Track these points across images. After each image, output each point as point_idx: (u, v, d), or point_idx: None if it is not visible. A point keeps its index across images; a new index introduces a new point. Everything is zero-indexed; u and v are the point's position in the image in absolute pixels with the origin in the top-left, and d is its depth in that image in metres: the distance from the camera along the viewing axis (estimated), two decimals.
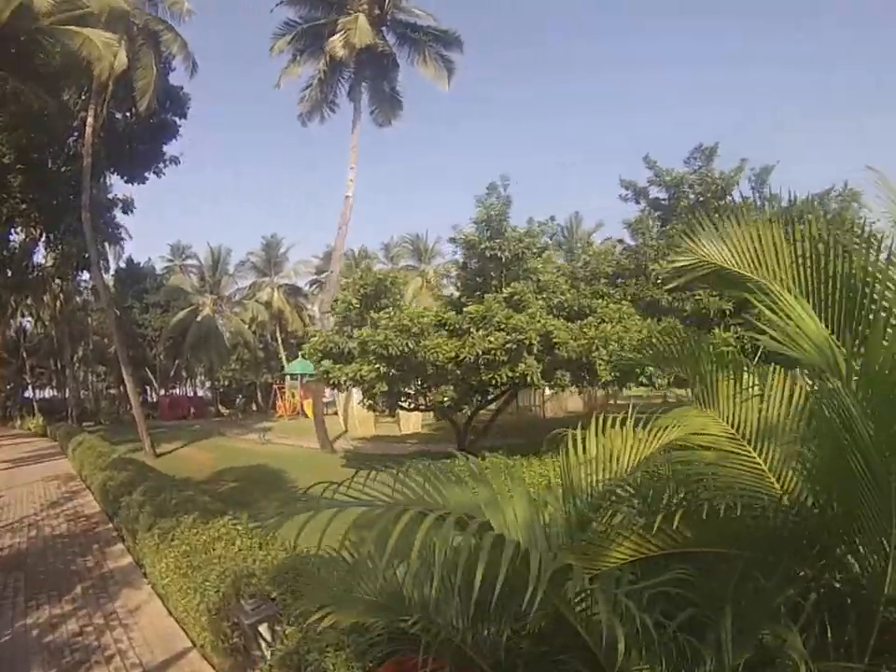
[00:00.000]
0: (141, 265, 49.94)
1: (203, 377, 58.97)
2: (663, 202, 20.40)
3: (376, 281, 16.14)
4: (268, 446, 26.59)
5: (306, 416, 39.38)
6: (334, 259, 24.24)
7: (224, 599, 6.32)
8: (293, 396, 42.31)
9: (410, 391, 16.88)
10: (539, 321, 14.47)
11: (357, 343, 14.86)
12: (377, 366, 14.37)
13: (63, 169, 26.44)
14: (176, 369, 52.89)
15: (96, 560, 10.43)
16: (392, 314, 14.52)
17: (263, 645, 5.27)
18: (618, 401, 36.57)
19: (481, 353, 14.09)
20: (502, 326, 14.29)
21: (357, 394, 29.82)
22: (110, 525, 12.50)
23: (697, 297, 16.54)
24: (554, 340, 14.45)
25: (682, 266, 4.16)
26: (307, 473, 18.44)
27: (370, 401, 17.50)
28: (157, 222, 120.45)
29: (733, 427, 3.46)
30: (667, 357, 4.23)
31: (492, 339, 14.09)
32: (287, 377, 45.25)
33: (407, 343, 14.06)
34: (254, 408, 52.24)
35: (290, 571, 6.35)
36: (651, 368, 14.62)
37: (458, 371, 15.22)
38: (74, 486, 17.48)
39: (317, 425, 24.36)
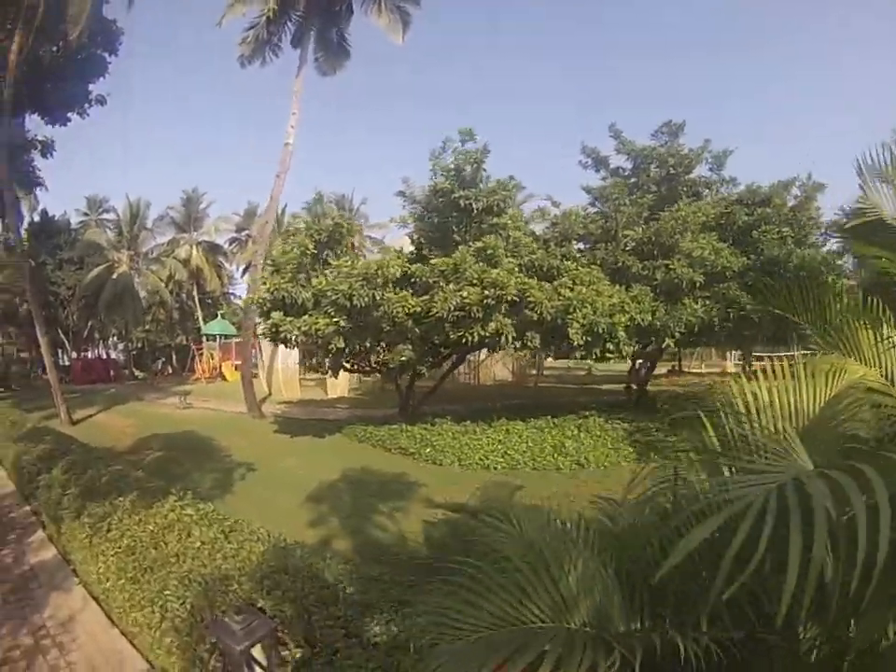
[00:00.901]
0: (56, 218, 45.66)
1: (115, 339, 54.92)
2: (623, 171, 19.63)
3: (333, 226, 14.45)
4: (190, 411, 24.70)
5: (225, 379, 37.29)
6: (269, 209, 22.09)
7: (194, 613, 4.90)
8: (211, 358, 39.61)
9: (363, 349, 15.22)
10: (515, 277, 13.17)
11: (313, 293, 13.21)
12: (336, 319, 12.74)
13: None
14: (90, 330, 48.82)
15: (14, 555, 8.59)
16: (353, 262, 12.96)
17: None
18: (543, 372, 36.35)
19: (453, 308, 12.68)
20: (475, 280, 12.94)
21: (283, 355, 28.13)
22: (27, 508, 10.63)
23: (670, 266, 15.71)
24: (529, 299, 13.19)
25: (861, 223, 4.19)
26: (238, 439, 17.30)
27: (318, 360, 15.98)
28: (73, 172, 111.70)
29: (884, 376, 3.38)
30: (786, 306, 4.21)
31: (465, 294, 12.71)
32: (205, 338, 42.46)
33: (373, 295, 12.48)
34: (170, 371, 48.87)
35: (279, 571, 5.22)
36: (622, 334, 14.26)
37: (418, 330, 13.91)
38: None
39: (245, 387, 22.47)
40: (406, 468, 14.07)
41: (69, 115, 24.88)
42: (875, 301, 3.51)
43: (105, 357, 52.72)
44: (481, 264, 13.17)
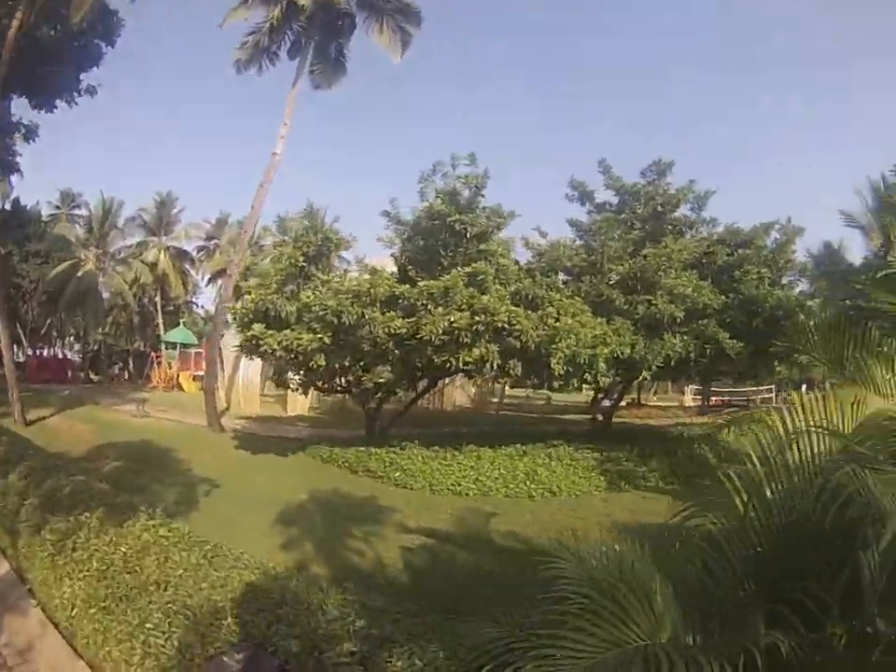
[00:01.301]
0: (28, 208, 43.80)
1: (72, 339, 52.87)
2: (610, 206, 19.81)
3: (322, 240, 14.07)
4: (148, 420, 23.32)
5: (182, 389, 36.17)
6: (250, 219, 21.46)
7: (183, 651, 4.39)
8: (169, 367, 38.28)
9: (341, 368, 14.78)
10: (504, 305, 12.95)
11: (298, 308, 12.79)
12: (320, 335, 12.30)
13: None
14: (48, 327, 46.92)
15: None
16: (344, 277, 12.61)
17: None
18: (504, 399, 36.19)
19: (440, 332, 12.37)
20: (464, 305, 12.69)
21: (245, 369, 27.53)
22: None
23: (652, 301, 15.99)
24: (516, 327, 12.97)
25: None
26: (198, 454, 16.37)
27: (290, 376, 15.43)
28: (49, 162, 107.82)
29: None
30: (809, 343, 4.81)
31: (454, 318, 12.42)
32: (164, 346, 41.28)
33: (361, 313, 12.11)
34: (127, 377, 47.17)
35: (279, 603, 4.80)
36: (602, 366, 14.24)
37: (398, 352, 13.59)
38: None
39: (207, 399, 21.72)
40: (376, 491, 13.66)
41: (57, 101, 23.40)
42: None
43: (61, 356, 50.45)
44: (471, 289, 12.94)
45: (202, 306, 58.76)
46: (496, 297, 12.88)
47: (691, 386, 37.00)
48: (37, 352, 48.72)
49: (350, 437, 19.00)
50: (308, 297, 12.66)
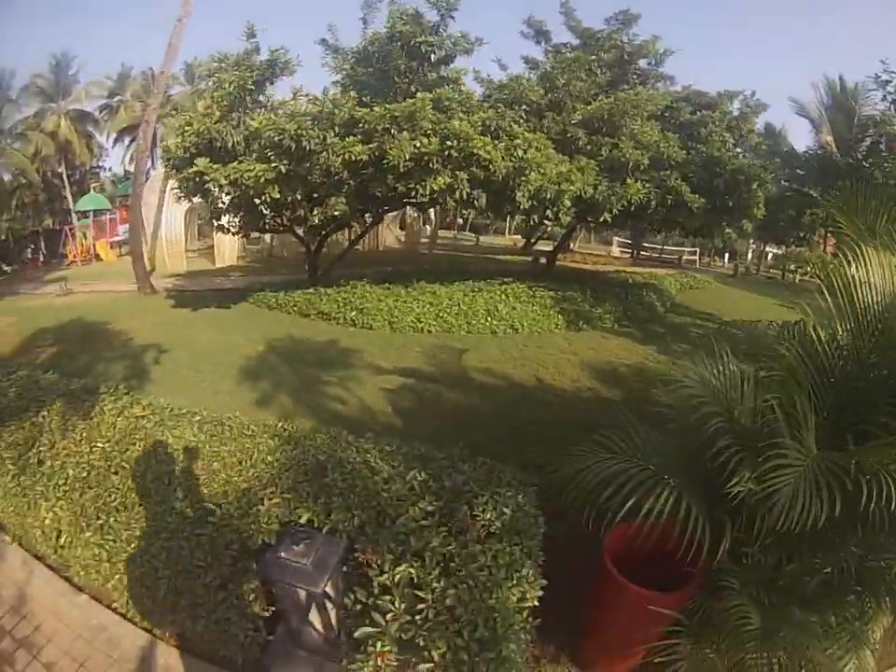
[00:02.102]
0: None
1: None
2: (568, 48, 19.08)
3: (269, 62, 12.49)
4: (72, 297, 21.19)
5: (101, 259, 33.77)
6: (168, 58, 17.90)
7: (219, 555, 3.76)
8: (85, 237, 34.95)
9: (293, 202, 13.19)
10: (476, 132, 11.86)
11: (247, 136, 11.35)
12: (275, 164, 10.88)
13: None
14: None
15: None
16: (302, 98, 11.20)
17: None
18: (436, 240, 35.33)
19: (407, 158, 11.21)
20: (429, 131, 11.51)
21: (167, 225, 25.74)
22: None
23: (618, 144, 15.50)
24: (484, 157, 11.90)
25: None
26: (135, 321, 15.06)
27: (236, 218, 14.17)
28: None
29: None
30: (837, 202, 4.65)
31: (420, 144, 11.25)
32: (76, 217, 37.67)
33: (324, 137, 10.78)
34: (41, 259, 43.13)
35: (324, 471, 4.10)
36: (567, 203, 13.66)
37: (352, 182, 12.39)
38: None
39: (135, 261, 19.87)
40: (333, 334, 12.95)
41: None
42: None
43: None
44: (438, 115, 11.71)
45: (109, 169, 54.17)
46: (467, 123, 11.71)
47: (616, 238, 37.15)
48: None
49: (289, 281, 18.18)
50: (260, 122, 11.07)
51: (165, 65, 18.57)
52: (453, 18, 13.66)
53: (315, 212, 12.92)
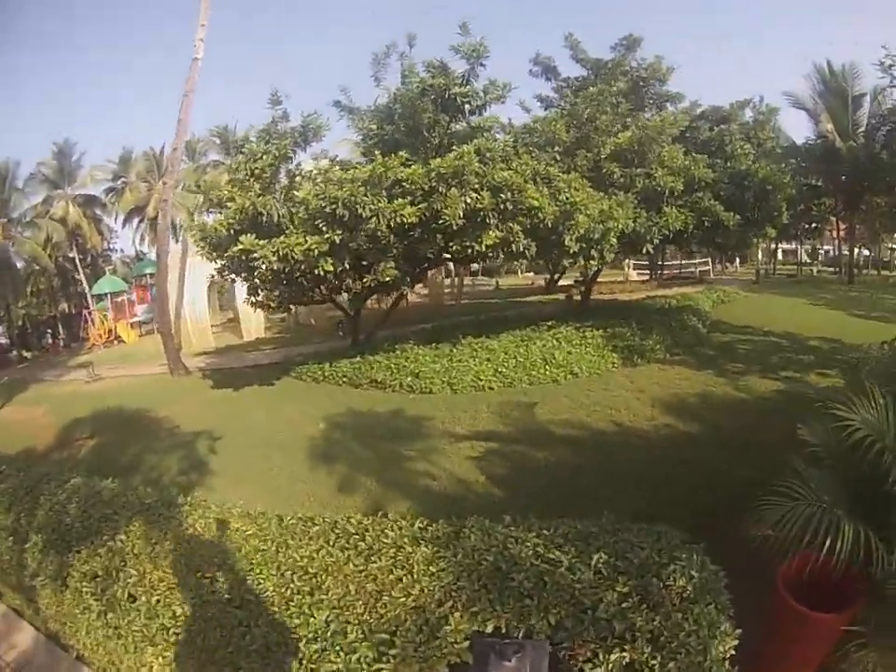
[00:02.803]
0: None
1: None
2: (577, 81, 18.85)
3: (303, 127, 12.03)
4: (102, 383, 20.24)
5: (122, 341, 32.75)
6: (179, 134, 18.24)
7: None
8: (104, 320, 34.08)
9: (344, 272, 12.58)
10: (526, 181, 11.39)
11: (299, 203, 10.69)
12: (328, 236, 10.27)
13: None
14: None
15: None
16: (349, 165, 10.67)
17: None
18: (463, 289, 34.61)
19: (461, 216, 10.67)
20: (476, 185, 10.97)
21: (190, 301, 25.00)
22: None
23: (651, 174, 15.02)
24: (534, 205, 11.42)
25: None
26: (176, 405, 14.29)
27: (274, 293, 13.48)
28: None
29: None
30: None
31: (470, 199, 10.71)
32: (94, 300, 36.93)
33: (379, 202, 10.19)
34: (61, 344, 42.27)
35: (504, 569, 3.56)
36: (613, 241, 13.40)
37: (400, 245, 11.92)
38: None
39: (165, 342, 18.89)
40: (394, 403, 12.12)
41: None
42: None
43: None
44: (484, 166, 11.16)
45: (121, 250, 54.17)
46: (513, 173, 11.17)
47: (630, 261, 36.43)
48: None
49: (329, 350, 17.38)
50: (307, 192, 10.53)
51: (177, 141, 18.37)
52: (483, 66, 13.22)
53: (365, 279, 12.21)
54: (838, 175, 27.57)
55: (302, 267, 10.63)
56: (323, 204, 10.16)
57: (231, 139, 41.44)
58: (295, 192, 10.95)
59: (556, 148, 14.08)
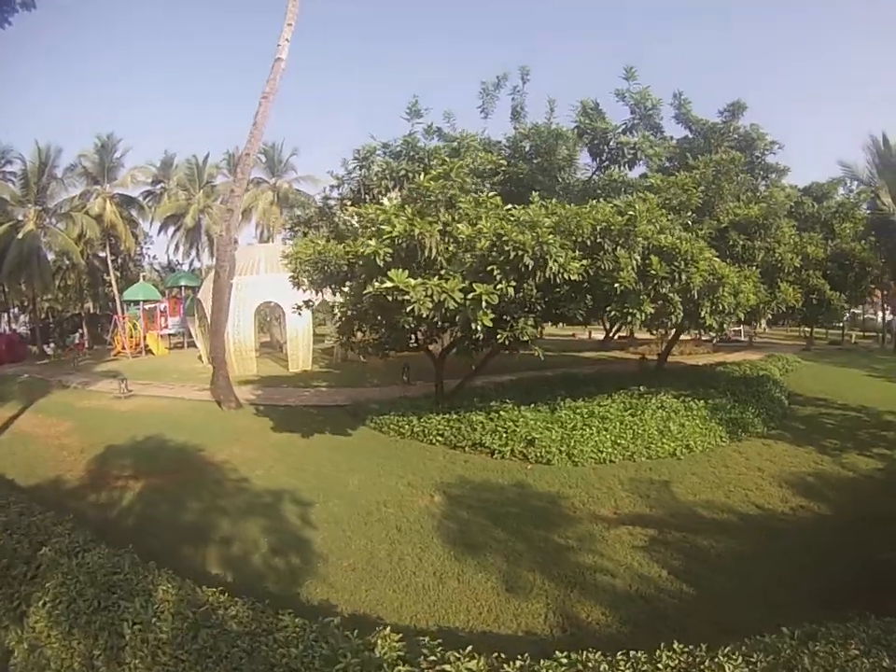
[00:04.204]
0: None
1: (17, 311, 45.28)
2: (686, 142, 17.72)
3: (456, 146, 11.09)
4: (136, 401, 18.07)
5: (151, 352, 31.17)
6: (253, 138, 16.65)
7: None
8: (135, 328, 32.29)
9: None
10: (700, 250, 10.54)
11: (466, 241, 9.13)
12: (500, 285, 8.64)
13: None
14: None
15: None
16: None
17: None
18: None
19: (633, 278, 9.58)
20: (644, 247, 9.86)
21: (235, 323, 22.69)
22: None
23: (773, 248, 14.33)
24: (700, 275, 10.44)
25: None
26: (236, 446, 12.58)
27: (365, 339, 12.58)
28: None
29: None
30: None
31: (636, 262, 9.63)
32: (122, 305, 35.54)
33: (566, 254, 8.83)
34: (86, 345, 40.03)
35: None
36: (741, 314, 12.68)
37: (545, 300, 10.75)
38: None
39: (217, 369, 16.95)
40: (511, 473, 10.70)
41: None
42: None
43: (8, 332, 41.94)
44: (651, 226, 9.90)
45: (154, 257, 52.98)
46: (689, 239, 10.09)
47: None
48: None
49: (403, 397, 15.95)
50: (486, 227, 8.82)
51: (251, 146, 16.75)
52: (651, 116, 12.08)
53: (499, 335, 10.05)
54: (891, 247, 27.31)
55: (455, 317, 8.95)
56: (505, 248, 8.55)
57: (276, 157, 40.53)
58: (458, 226, 9.31)
59: (689, 213, 12.88)
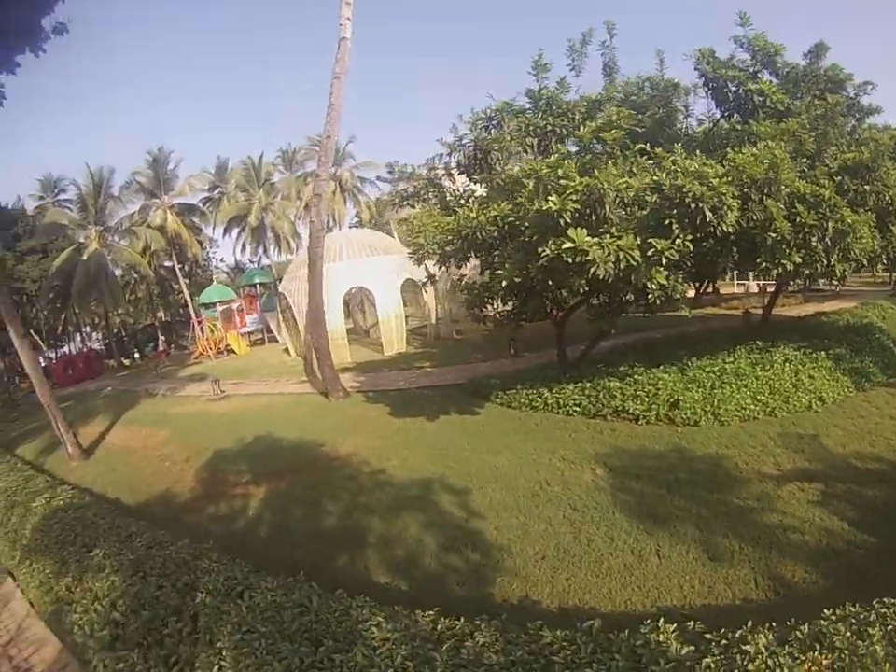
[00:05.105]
0: (9, 207, 38.18)
1: (88, 329, 46.69)
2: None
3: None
4: (232, 402, 17.96)
5: (233, 352, 31.59)
6: (332, 120, 16.21)
7: None
8: (214, 329, 32.92)
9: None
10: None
11: (636, 195, 8.76)
12: (678, 239, 8.43)
13: None
14: (63, 323, 41.12)
15: None
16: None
17: None
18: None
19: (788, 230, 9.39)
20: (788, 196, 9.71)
21: (330, 309, 22.59)
22: None
23: (882, 191, 13.15)
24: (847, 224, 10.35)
25: None
26: (358, 437, 11.95)
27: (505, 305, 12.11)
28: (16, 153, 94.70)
29: None
30: None
31: (796, 214, 9.54)
32: (196, 310, 36.32)
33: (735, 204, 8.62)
34: (164, 352, 41.07)
35: None
36: (864, 260, 12.41)
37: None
38: None
39: (322, 359, 16.60)
40: (662, 437, 10.41)
41: (13, 58, 17.19)
42: None
43: (85, 350, 43.76)
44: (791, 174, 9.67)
45: (221, 259, 55.54)
46: (829, 186, 9.96)
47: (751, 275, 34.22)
48: (58, 352, 43.37)
49: (517, 370, 15.35)
50: (660, 177, 8.51)
51: (330, 128, 16.35)
52: (768, 69, 11.67)
53: (651, 296, 9.36)
54: None
55: (631, 277, 8.49)
56: (686, 200, 8.22)
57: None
58: (628, 179, 8.81)
59: (804, 160, 12.43)
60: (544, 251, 8.25)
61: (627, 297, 9.83)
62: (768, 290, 25.03)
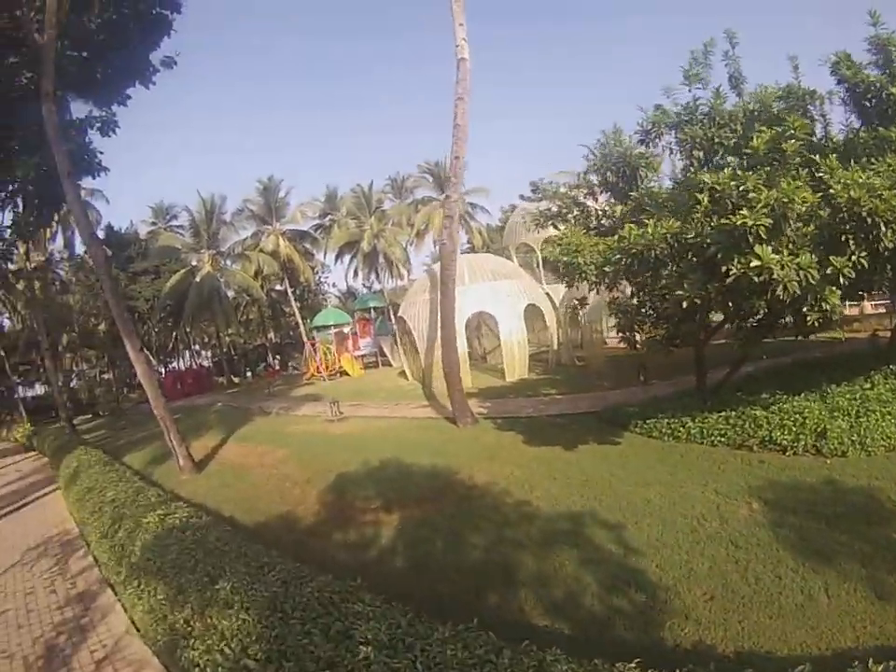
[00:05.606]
0: (123, 231, 41.48)
1: (198, 347, 50.02)
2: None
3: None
4: (350, 423, 17.72)
5: (346, 374, 32.46)
6: (459, 141, 16.26)
7: None
8: (327, 352, 33.73)
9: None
10: None
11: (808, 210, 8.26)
12: (853, 256, 8.12)
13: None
14: (174, 341, 44.27)
15: None
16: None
17: None
18: None
19: None
20: None
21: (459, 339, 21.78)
22: None
23: None
24: None
25: None
26: (493, 464, 11.54)
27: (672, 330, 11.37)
28: (130, 181, 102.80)
29: None
30: None
31: None
32: (309, 332, 37.83)
33: None
34: (276, 371, 43.22)
35: None
36: None
37: None
38: (82, 569, 9.16)
39: (451, 381, 16.22)
40: (811, 469, 9.79)
41: (126, 91, 18.36)
42: None
43: (195, 366, 47.15)
44: None
45: (333, 284, 56.73)
46: None
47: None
48: (167, 368, 46.60)
49: (652, 397, 14.54)
50: (836, 190, 7.97)
51: (458, 149, 16.27)
52: None
53: (810, 316, 8.80)
54: None
55: (807, 297, 8.16)
56: (863, 215, 7.84)
57: (442, 174, 41.46)
58: (802, 193, 8.16)
59: None
60: (730, 269, 7.99)
61: (787, 318, 9.48)
62: None
